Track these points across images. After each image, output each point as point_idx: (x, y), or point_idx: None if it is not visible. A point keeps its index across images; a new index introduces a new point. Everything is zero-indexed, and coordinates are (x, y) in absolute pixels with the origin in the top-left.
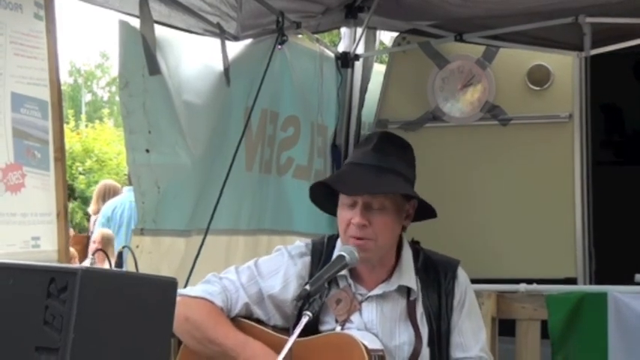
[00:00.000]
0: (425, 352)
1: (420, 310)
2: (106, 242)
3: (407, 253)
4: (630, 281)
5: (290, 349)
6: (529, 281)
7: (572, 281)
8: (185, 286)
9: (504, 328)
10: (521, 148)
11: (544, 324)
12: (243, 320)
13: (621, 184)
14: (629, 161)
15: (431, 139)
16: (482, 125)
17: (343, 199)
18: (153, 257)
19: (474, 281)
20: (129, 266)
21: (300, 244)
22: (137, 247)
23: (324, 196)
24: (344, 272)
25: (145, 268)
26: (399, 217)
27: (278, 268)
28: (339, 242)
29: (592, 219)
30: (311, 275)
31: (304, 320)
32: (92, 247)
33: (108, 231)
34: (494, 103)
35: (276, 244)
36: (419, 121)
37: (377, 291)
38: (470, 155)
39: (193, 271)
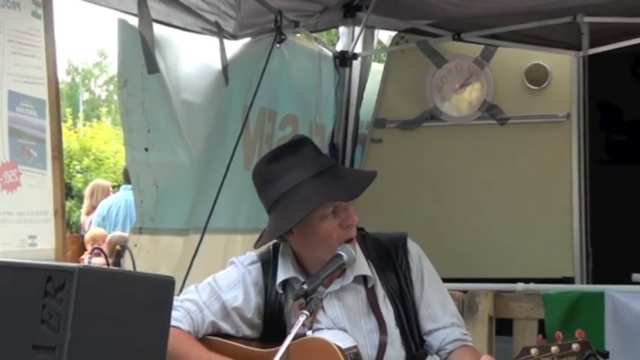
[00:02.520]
0: (395, 333)
1: (381, 293)
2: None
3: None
4: (627, 280)
5: (287, 349)
6: (526, 280)
7: (569, 280)
8: (183, 285)
9: (501, 327)
10: (519, 147)
11: (541, 323)
12: (213, 339)
13: (619, 183)
14: (627, 160)
15: (429, 138)
16: (480, 124)
17: (323, 211)
18: (151, 256)
19: (471, 280)
20: (127, 265)
21: (250, 253)
22: (135, 245)
23: None
24: (296, 275)
25: (143, 267)
26: None
27: (236, 280)
28: (282, 248)
29: (589, 218)
30: (264, 281)
31: (302, 319)
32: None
33: (99, 230)
34: (492, 103)
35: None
36: (417, 120)
37: (334, 287)
38: (468, 155)
39: (191, 269)
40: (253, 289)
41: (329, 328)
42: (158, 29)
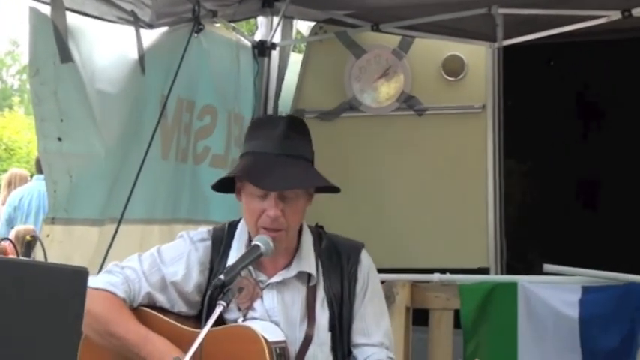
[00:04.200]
0: (326, 336)
1: (320, 295)
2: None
3: (307, 238)
4: (539, 271)
5: (204, 338)
6: (443, 271)
7: (484, 271)
8: None
9: (418, 317)
10: (437, 138)
11: (457, 313)
12: (147, 310)
13: (532, 175)
14: (540, 152)
15: (347, 129)
16: (398, 115)
17: (253, 190)
18: (64, 246)
19: (388, 271)
20: (38, 256)
21: (203, 229)
22: (47, 236)
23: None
24: None
25: (55, 258)
26: (307, 201)
27: (180, 254)
28: (240, 228)
29: (503, 210)
30: (211, 260)
31: (218, 310)
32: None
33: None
34: (410, 94)
35: None
36: (335, 110)
37: (276, 278)
38: (386, 145)
39: (106, 260)
40: (197, 267)
41: (262, 319)
42: (72, 18)
